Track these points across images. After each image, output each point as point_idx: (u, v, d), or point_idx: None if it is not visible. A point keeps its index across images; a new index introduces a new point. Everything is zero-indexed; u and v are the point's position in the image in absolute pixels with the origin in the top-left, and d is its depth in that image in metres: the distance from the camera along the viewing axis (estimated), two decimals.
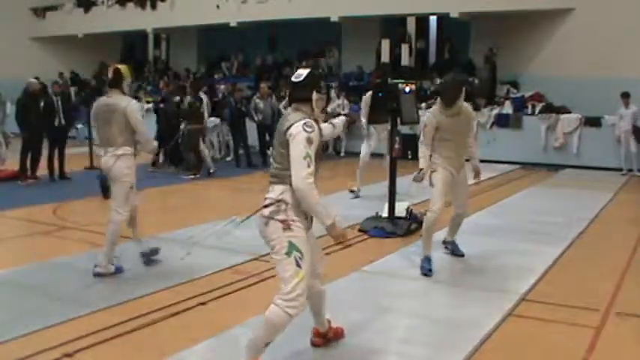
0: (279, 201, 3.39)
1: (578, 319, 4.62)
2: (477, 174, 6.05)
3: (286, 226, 3.36)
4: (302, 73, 3.55)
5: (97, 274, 5.44)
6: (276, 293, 3.39)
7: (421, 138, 5.75)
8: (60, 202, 9.08)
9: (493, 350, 4.08)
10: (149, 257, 5.86)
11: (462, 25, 16.59)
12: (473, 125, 6.00)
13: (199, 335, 4.17)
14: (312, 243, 3.59)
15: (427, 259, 5.73)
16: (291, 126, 3.37)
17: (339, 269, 5.76)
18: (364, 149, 9.47)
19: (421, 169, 5.66)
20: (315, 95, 3.50)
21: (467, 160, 5.91)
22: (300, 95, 3.52)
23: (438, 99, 5.72)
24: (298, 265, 3.34)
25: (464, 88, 5.57)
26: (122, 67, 5.61)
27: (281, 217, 3.38)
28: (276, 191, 3.42)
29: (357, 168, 9.52)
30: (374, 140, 9.43)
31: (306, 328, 3.97)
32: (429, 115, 5.69)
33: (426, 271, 5.63)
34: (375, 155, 9.57)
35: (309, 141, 3.31)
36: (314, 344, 4.01)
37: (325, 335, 4.02)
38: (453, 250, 6.31)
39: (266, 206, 3.42)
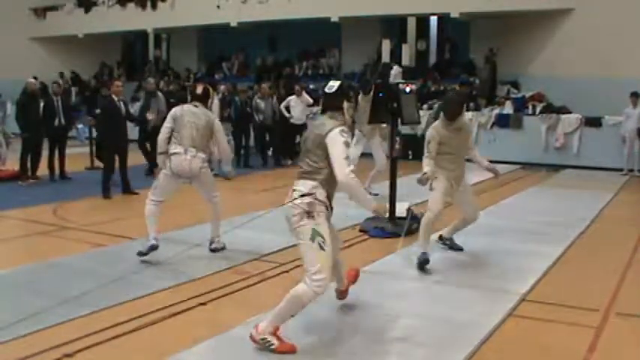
0: (309, 194, 3.88)
1: (578, 319, 4.62)
2: (494, 174, 6.24)
3: (311, 216, 3.85)
4: (334, 84, 4.08)
5: (215, 250, 6.23)
6: (304, 274, 3.85)
7: (425, 153, 5.86)
8: (60, 202, 9.09)
9: (493, 350, 4.07)
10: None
11: (462, 25, 16.60)
12: (472, 139, 6.26)
13: (199, 335, 4.17)
14: (334, 231, 4.14)
15: (424, 255, 5.74)
16: (330, 131, 3.88)
17: None
18: (352, 152, 9.45)
19: (425, 173, 5.71)
20: (346, 104, 4.05)
21: (468, 161, 6.08)
22: (333, 104, 4.05)
23: (441, 114, 5.90)
24: (322, 249, 3.83)
25: (464, 104, 5.78)
26: (211, 88, 6.58)
27: (308, 208, 3.86)
28: (307, 186, 3.90)
29: None
30: (362, 144, 9.46)
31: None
32: (432, 131, 5.82)
33: (421, 264, 5.67)
34: (366, 155, 9.56)
35: (347, 145, 3.88)
36: (340, 298, 4.74)
37: (346, 290, 4.75)
38: (452, 245, 6.40)
39: (297, 198, 3.90)
